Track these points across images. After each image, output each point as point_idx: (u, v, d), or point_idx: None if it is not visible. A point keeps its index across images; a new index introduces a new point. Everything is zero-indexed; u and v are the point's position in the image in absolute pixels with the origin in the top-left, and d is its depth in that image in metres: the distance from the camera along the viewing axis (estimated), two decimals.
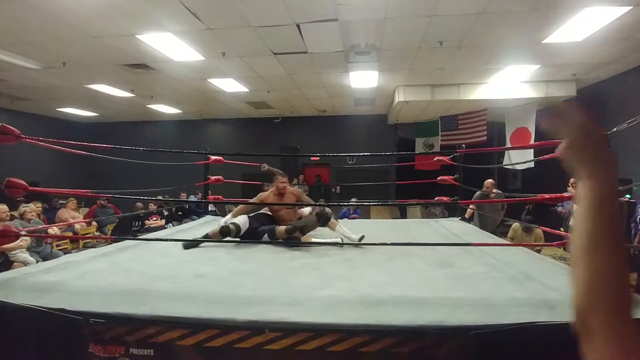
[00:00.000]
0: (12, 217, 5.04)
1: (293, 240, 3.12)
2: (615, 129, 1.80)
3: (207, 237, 3.16)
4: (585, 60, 6.19)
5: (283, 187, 3.53)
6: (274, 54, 5.88)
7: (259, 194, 3.67)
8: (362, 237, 3.12)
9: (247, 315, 1.62)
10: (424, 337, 1.51)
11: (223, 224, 3.19)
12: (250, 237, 3.28)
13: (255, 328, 1.57)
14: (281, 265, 2.51)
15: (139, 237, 4.27)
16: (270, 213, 3.59)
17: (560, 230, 3.68)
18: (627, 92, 6.63)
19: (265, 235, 3.22)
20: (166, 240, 3.09)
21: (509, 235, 5.30)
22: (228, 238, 3.11)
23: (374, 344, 1.52)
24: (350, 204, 5.09)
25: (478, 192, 5.75)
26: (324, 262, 2.57)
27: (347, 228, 3.29)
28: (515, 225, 5.27)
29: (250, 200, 3.65)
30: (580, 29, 4.84)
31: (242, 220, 3.32)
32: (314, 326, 1.57)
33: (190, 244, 2.95)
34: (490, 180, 5.99)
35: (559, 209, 6.44)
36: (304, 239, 3.24)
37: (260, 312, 1.65)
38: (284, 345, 1.54)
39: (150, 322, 1.62)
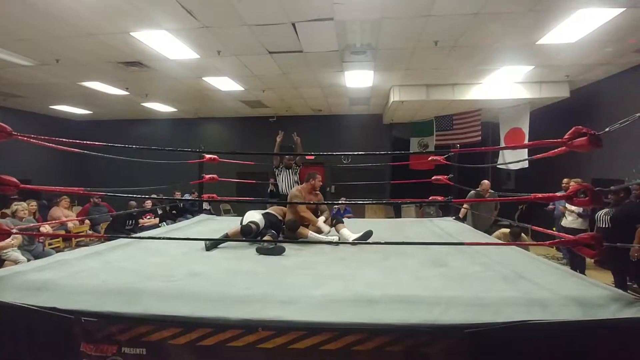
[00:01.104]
0: (4, 215, 4.99)
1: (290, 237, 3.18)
2: (607, 130, 1.81)
3: (227, 237, 3.17)
4: (579, 62, 6.24)
5: (320, 186, 3.64)
6: (270, 52, 5.86)
7: (297, 187, 3.77)
8: (371, 233, 3.19)
9: (240, 314, 1.62)
10: (418, 335, 1.52)
11: (243, 224, 3.22)
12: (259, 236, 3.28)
13: (248, 327, 1.57)
14: (276, 264, 2.51)
15: (132, 236, 4.24)
16: (274, 212, 3.56)
17: (552, 230, 3.70)
18: (620, 94, 6.69)
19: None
20: (159, 238, 3.07)
21: (494, 235, 5.32)
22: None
23: (367, 342, 1.52)
24: (340, 203, 5.07)
25: (472, 192, 5.80)
26: (319, 261, 2.57)
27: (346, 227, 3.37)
28: (500, 234, 5.33)
29: (295, 200, 3.56)
30: (574, 30, 4.88)
31: (259, 218, 3.35)
32: (308, 325, 1.57)
33: (212, 245, 2.94)
34: (486, 181, 6.03)
35: (551, 207, 6.50)
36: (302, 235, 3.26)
37: (254, 311, 1.64)
38: (277, 343, 1.54)
39: (143, 321, 1.62)
